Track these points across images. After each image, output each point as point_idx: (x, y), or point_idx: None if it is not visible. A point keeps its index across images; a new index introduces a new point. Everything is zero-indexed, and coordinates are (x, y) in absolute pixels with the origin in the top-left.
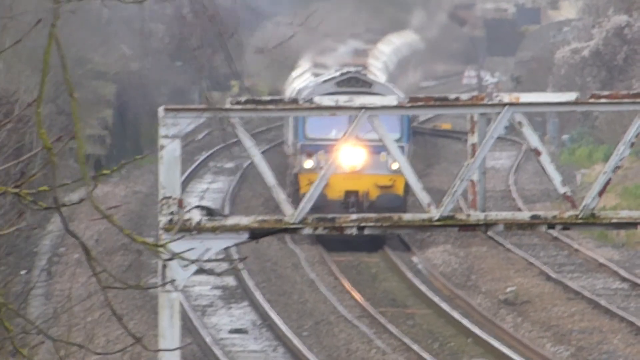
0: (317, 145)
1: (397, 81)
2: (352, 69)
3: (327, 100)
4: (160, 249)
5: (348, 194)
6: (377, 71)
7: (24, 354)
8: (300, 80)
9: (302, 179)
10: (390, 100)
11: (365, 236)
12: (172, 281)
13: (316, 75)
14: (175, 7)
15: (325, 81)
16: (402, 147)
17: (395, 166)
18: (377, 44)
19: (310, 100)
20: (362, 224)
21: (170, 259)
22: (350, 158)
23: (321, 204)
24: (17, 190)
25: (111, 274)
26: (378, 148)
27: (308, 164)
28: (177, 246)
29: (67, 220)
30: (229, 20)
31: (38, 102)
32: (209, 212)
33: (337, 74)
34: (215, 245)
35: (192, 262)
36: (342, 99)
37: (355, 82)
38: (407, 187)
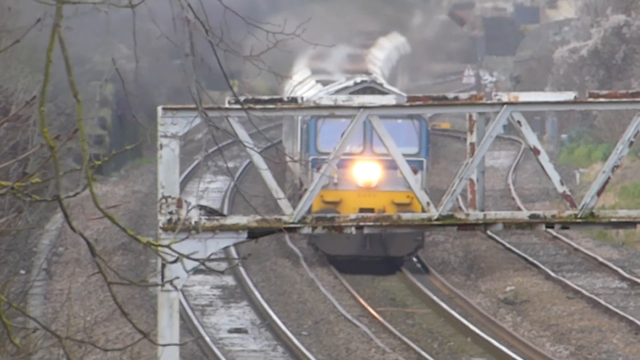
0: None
1: (394, 86)
2: (366, 77)
3: (325, 100)
4: (164, 250)
5: (362, 212)
6: (379, 77)
7: (16, 343)
8: (306, 88)
9: None
10: (389, 99)
11: (381, 259)
12: (176, 278)
13: (324, 83)
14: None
15: (338, 91)
16: (420, 162)
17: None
18: (370, 48)
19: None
20: (361, 223)
21: (174, 261)
22: (365, 173)
23: None
24: (11, 184)
25: (115, 270)
26: (394, 163)
27: None
28: (178, 246)
29: (70, 217)
30: (219, 25)
31: (41, 101)
32: (208, 211)
33: (351, 83)
34: (214, 244)
35: (201, 261)
36: (341, 98)
37: (371, 92)
38: None
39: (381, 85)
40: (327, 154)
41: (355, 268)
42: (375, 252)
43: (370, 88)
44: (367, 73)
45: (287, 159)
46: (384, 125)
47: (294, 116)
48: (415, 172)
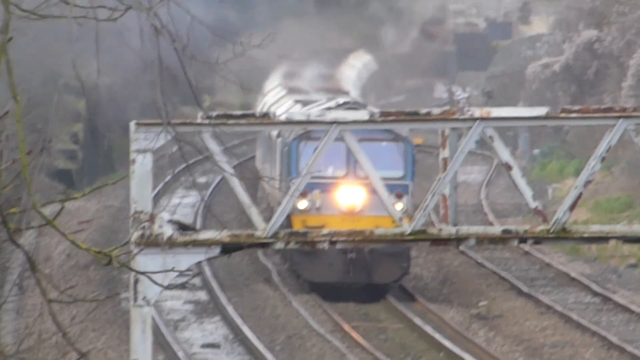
0: (312, 183)
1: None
2: (348, 98)
3: (298, 115)
4: (129, 266)
5: None
6: (358, 97)
7: None
8: (283, 108)
9: (296, 221)
10: (362, 114)
11: (365, 285)
12: (116, 295)
13: (304, 103)
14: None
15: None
16: (405, 186)
17: (399, 206)
18: (341, 66)
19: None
20: (334, 239)
21: (142, 273)
22: (348, 198)
23: None
24: None
25: (56, 286)
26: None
27: (302, 204)
28: (149, 261)
29: (12, 230)
30: (190, 41)
31: None
32: (181, 226)
33: (333, 103)
34: (187, 259)
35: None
36: (314, 113)
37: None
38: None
39: (364, 106)
40: (310, 177)
41: (338, 295)
42: (359, 278)
43: (355, 109)
44: (344, 92)
45: (264, 181)
46: (368, 148)
47: (271, 138)
48: (400, 196)
